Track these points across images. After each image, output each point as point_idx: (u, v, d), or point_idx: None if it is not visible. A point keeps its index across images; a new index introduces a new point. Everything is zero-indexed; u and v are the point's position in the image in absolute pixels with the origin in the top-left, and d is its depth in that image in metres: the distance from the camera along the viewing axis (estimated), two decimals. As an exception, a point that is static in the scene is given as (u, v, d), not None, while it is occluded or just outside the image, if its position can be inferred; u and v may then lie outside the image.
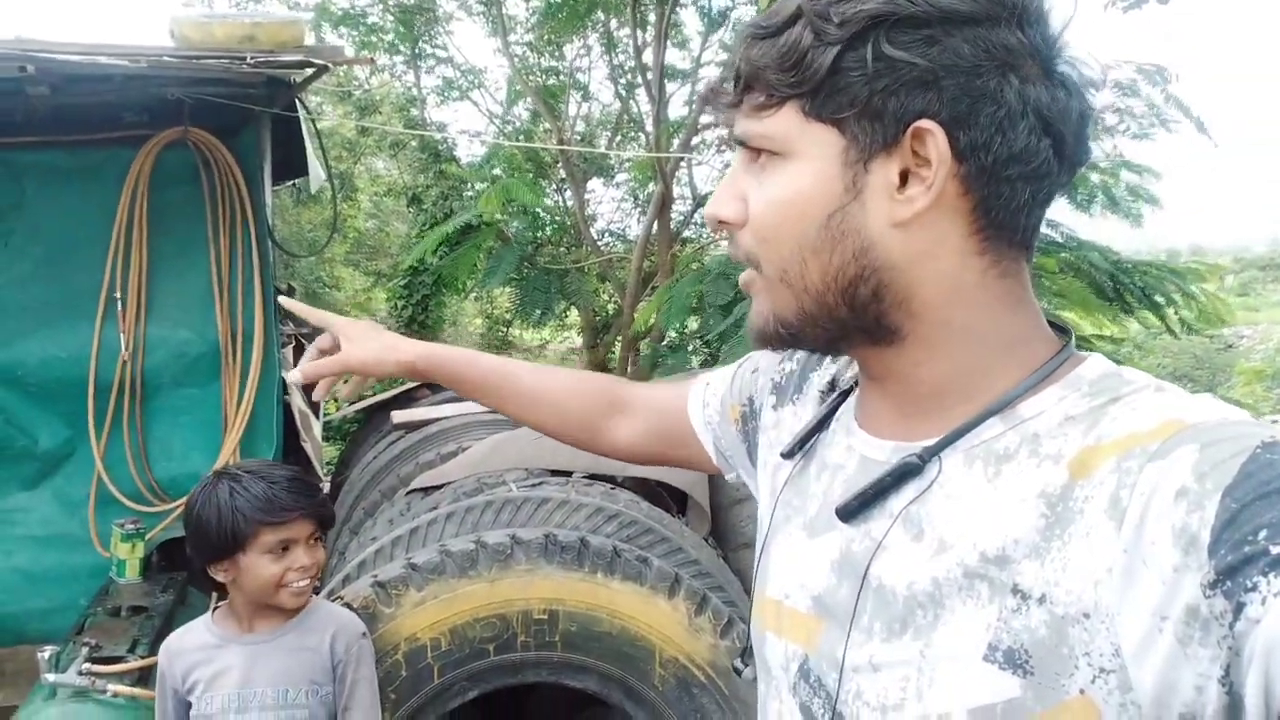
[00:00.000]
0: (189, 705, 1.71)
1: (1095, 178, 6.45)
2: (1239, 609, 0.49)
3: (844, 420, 0.79)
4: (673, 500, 2.72)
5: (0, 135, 3.27)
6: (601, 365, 8.78)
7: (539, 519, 2.08)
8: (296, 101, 3.67)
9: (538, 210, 7.82)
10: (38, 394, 3.37)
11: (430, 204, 9.01)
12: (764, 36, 0.67)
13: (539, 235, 8.42)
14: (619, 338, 8.53)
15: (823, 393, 0.86)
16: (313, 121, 4.18)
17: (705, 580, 2.09)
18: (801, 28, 0.65)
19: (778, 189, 0.69)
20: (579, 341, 10.80)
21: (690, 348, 7.12)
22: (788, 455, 0.84)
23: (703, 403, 1.05)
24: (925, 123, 0.63)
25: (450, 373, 1.17)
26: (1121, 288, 6.14)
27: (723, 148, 7.95)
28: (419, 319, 9.40)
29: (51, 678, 2.31)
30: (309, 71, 3.32)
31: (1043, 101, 0.64)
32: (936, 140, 0.63)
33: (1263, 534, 0.49)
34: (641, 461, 1.21)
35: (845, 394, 0.81)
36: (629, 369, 7.69)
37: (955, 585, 0.62)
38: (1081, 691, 0.56)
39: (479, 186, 8.25)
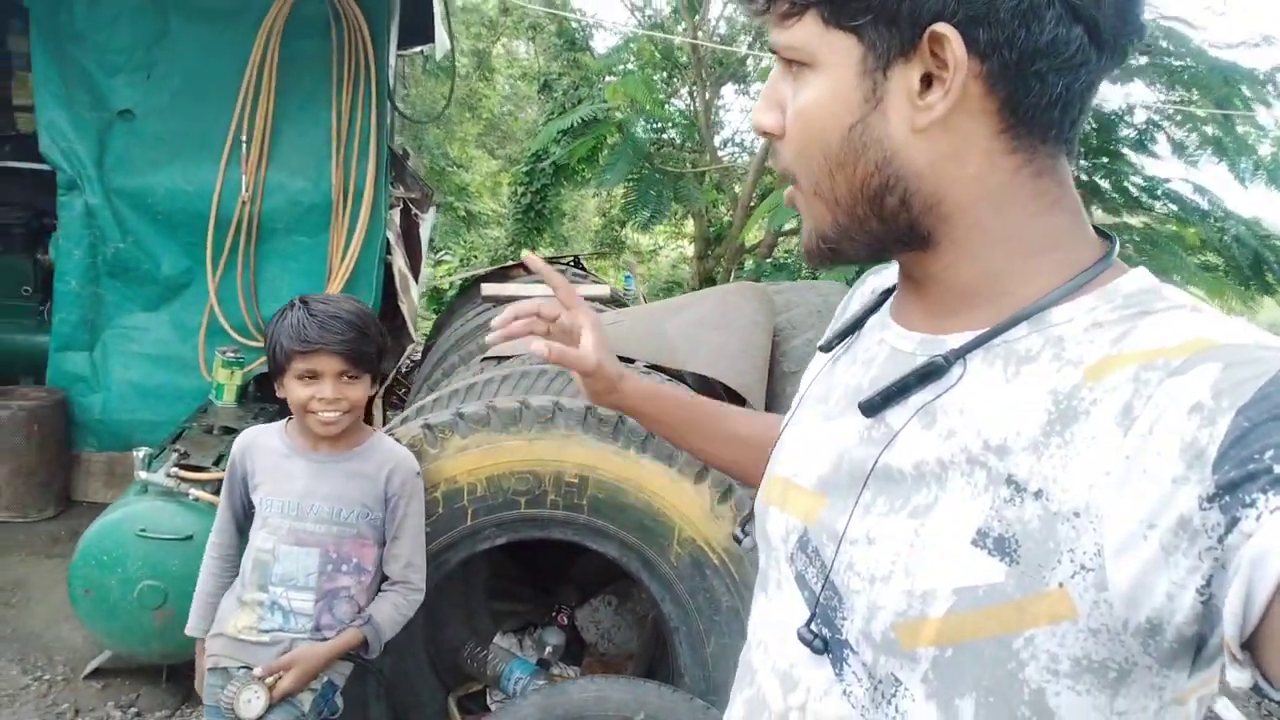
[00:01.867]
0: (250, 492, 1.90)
1: (1265, 150, 5.96)
2: (1233, 523, 0.49)
3: (880, 317, 0.80)
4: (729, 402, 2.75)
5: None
6: (709, 278, 8.75)
7: (588, 393, 2.15)
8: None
9: (657, 111, 7.67)
10: (164, 223, 3.62)
11: (561, 93, 9.01)
12: None
13: (662, 136, 8.32)
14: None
15: (866, 301, 0.88)
16: (442, -15, 4.23)
17: (737, 476, 2.13)
18: None
19: (803, 100, 0.68)
20: (691, 251, 10.77)
21: (799, 270, 7.01)
22: (825, 348, 0.85)
23: None
24: (940, 26, 0.61)
25: (655, 408, 1.11)
26: (1265, 264, 5.72)
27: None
28: (536, 207, 9.51)
29: (143, 475, 2.57)
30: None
31: None
32: (951, 44, 0.62)
33: (1269, 453, 0.49)
34: None
35: (886, 295, 0.83)
36: (732, 280, 7.65)
37: (957, 470, 0.64)
38: (1060, 585, 0.57)
39: (609, 79, 8.18)
